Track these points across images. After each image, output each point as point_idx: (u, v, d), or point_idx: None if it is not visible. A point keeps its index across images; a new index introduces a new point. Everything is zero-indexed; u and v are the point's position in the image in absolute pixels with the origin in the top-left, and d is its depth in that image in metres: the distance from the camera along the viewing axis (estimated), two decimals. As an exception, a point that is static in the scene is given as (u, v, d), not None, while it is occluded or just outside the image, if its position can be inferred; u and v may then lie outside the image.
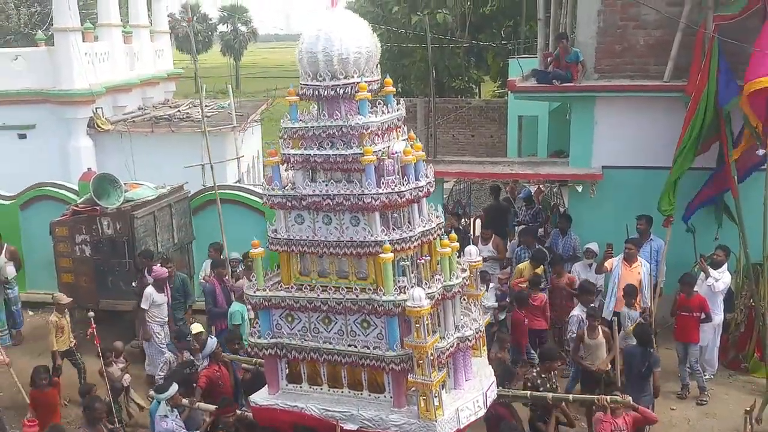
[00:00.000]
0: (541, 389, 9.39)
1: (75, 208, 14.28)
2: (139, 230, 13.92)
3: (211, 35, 75.62)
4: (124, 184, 14.55)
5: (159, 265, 13.05)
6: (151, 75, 23.68)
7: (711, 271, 11.86)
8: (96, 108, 19.78)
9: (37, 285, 16.11)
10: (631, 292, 11.45)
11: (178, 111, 21.64)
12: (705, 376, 11.94)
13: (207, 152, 14.59)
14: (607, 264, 12.51)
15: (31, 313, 15.78)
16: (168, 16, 27.84)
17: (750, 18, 12.09)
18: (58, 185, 16.30)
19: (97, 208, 13.91)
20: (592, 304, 11.37)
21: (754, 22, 12.05)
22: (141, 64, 23.25)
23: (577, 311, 11.41)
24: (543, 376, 9.62)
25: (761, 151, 12.04)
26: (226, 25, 73.95)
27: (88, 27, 21.02)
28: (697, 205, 12.87)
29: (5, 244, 14.54)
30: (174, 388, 9.11)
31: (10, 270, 14.46)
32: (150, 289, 12.54)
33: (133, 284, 13.40)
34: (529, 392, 9.23)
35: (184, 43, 66.86)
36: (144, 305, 12.47)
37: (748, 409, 9.40)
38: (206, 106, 20.69)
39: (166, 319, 12.71)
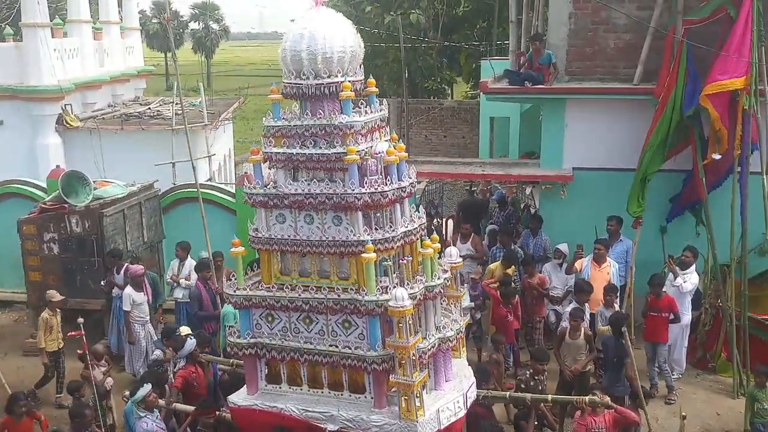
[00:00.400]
0: (533, 390, 9.38)
1: (43, 205, 14.02)
2: (108, 228, 13.69)
3: (182, 33, 74.71)
4: (93, 181, 14.29)
5: (129, 263, 12.86)
6: (121, 72, 23.37)
7: (679, 271, 11.91)
8: (65, 105, 19.44)
9: (4, 284, 15.87)
10: (611, 291, 11.52)
11: (149, 108, 21.37)
12: (673, 375, 12.00)
13: (186, 149, 14.25)
14: (577, 264, 12.54)
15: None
16: (139, 12, 27.44)
17: (717, 23, 12.13)
18: (26, 182, 16.02)
19: (66, 206, 13.66)
20: (579, 304, 11.39)
21: (722, 27, 12.10)
22: (111, 61, 22.94)
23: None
24: (536, 378, 9.58)
25: (717, 156, 12.14)
26: (197, 22, 73.09)
27: (57, 23, 20.70)
28: (681, 209, 12.92)
29: None
30: (145, 389, 8.80)
31: None
32: (129, 290, 12.33)
33: (102, 283, 13.23)
34: (508, 393, 9.22)
35: (155, 40, 66.36)
36: (126, 307, 12.25)
37: (684, 415, 9.41)
38: (178, 103, 20.45)
39: (147, 318, 12.52)
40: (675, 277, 11.94)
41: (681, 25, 12.37)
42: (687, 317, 12.08)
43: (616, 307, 11.57)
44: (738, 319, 12.04)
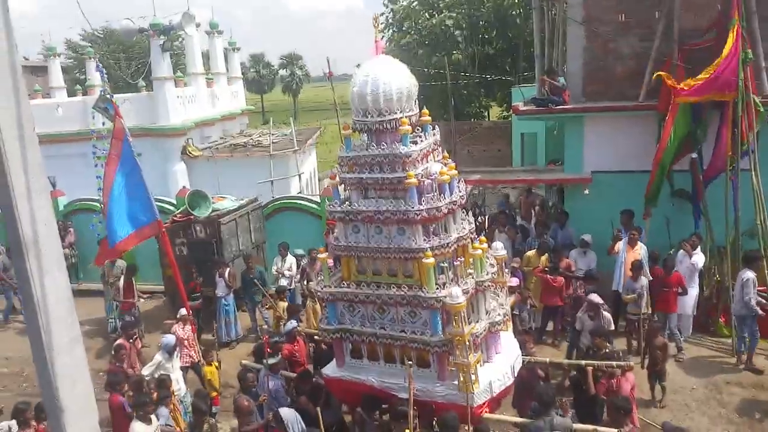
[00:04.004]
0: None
1: (174, 217, 14.14)
2: (225, 234, 13.74)
3: (273, 78, 75.47)
4: (212, 197, 14.35)
5: (244, 260, 12.71)
6: (229, 111, 23.52)
7: (692, 251, 11.47)
8: (187, 139, 19.69)
9: (147, 278, 15.90)
10: (638, 268, 11.05)
11: (251, 139, 21.44)
12: (681, 338, 11.44)
13: (281, 169, 14.14)
14: (616, 247, 12.10)
15: (142, 300, 15.57)
16: (240, 64, 27.64)
17: (707, 48, 11.53)
18: (160, 200, 15.98)
19: (191, 217, 13.75)
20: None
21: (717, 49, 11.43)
22: (221, 103, 23.14)
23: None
24: (594, 350, 9.03)
25: (694, 155, 11.64)
26: (285, 69, 73.63)
27: (179, 75, 20.97)
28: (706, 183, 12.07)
29: None
30: (275, 359, 8.83)
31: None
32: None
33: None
34: (548, 359, 8.82)
35: (253, 85, 67.36)
36: None
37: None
38: (273, 134, 20.52)
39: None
40: (691, 257, 11.44)
41: (677, 52, 11.83)
42: (695, 290, 11.57)
43: (644, 279, 11.01)
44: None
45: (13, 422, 8.07)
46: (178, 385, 9.81)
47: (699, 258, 11.55)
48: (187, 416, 9.59)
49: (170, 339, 10.10)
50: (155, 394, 8.72)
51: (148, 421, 7.89)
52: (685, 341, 11.54)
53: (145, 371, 9.77)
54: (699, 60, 11.45)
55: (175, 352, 10.23)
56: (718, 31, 11.47)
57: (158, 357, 9.90)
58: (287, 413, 7.49)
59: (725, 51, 11.04)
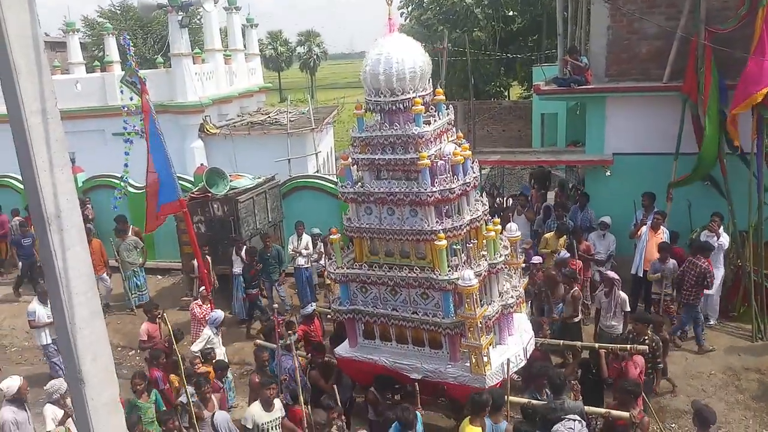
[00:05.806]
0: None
1: (192, 195, 14.19)
2: (242, 212, 13.84)
3: (291, 56, 75.26)
4: (229, 175, 14.42)
5: (261, 239, 12.80)
6: (246, 89, 23.50)
7: (719, 231, 11.40)
8: (205, 116, 19.74)
9: (164, 255, 16.20)
10: (665, 248, 11.09)
11: (268, 117, 21.46)
12: (710, 322, 11.45)
13: (298, 148, 14.09)
14: (639, 231, 12.08)
15: (159, 277, 15.87)
16: (258, 41, 27.61)
17: (740, 28, 11.31)
18: (178, 177, 16.17)
19: (209, 194, 13.84)
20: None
21: (743, 32, 11.25)
22: (238, 81, 23.13)
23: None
24: (633, 334, 8.80)
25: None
26: (303, 47, 73.44)
27: (197, 52, 20.98)
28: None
29: (131, 226, 14.48)
30: (291, 338, 8.83)
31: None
32: None
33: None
34: (561, 341, 8.84)
35: (270, 63, 67.27)
36: None
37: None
38: (290, 112, 20.55)
39: None
40: (718, 237, 11.38)
41: (704, 32, 11.63)
42: (721, 270, 11.50)
43: (672, 262, 11.03)
44: (756, 275, 11.38)
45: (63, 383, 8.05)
46: (225, 359, 9.87)
47: (725, 238, 11.51)
48: (232, 392, 9.81)
49: (219, 314, 10.20)
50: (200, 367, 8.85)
51: (269, 406, 7.45)
52: (707, 326, 11.48)
53: (195, 347, 9.79)
54: (726, 41, 11.29)
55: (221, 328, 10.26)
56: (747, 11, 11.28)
57: (207, 332, 9.96)
58: (219, 418, 7.43)
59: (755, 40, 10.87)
